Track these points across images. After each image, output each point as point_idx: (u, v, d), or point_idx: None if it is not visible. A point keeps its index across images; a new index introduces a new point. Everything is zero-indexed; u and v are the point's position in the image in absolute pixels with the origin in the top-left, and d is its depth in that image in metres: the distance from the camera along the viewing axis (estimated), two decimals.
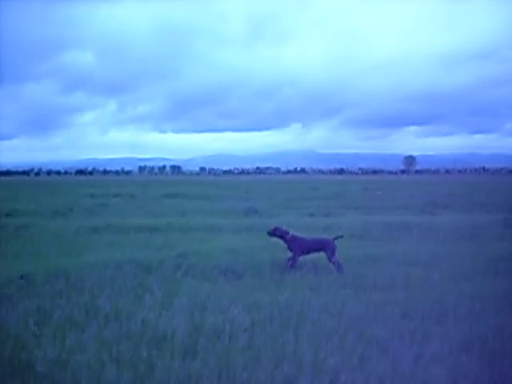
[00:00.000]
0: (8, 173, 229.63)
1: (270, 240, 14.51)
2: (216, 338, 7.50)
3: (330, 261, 13.12)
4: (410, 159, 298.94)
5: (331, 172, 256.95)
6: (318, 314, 8.85)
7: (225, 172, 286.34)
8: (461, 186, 75.24)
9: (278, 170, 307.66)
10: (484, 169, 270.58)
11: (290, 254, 13.41)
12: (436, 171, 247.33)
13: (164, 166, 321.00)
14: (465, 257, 14.73)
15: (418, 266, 13.56)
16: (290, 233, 13.63)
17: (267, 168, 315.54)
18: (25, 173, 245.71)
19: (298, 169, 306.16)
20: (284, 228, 13.85)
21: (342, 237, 13.79)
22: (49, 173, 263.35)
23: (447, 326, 8.26)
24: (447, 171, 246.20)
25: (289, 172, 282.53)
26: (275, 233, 13.72)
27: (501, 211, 28.98)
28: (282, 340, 7.52)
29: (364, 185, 76.30)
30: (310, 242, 13.49)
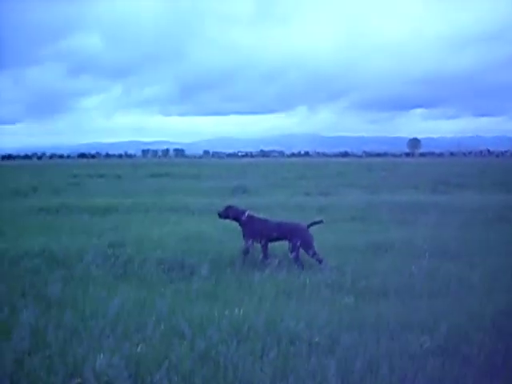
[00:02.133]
0: (10, 157, 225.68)
1: None
2: None
3: (291, 253, 9.57)
4: (414, 142, 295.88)
5: (335, 155, 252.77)
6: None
7: (228, 155, 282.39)
8: (469, 167, 71.05)
9: (281, 154, 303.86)
10: (489, 151, 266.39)
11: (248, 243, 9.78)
12: (440, 154, 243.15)
13: (167, 150, 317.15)
14: (502, 246, 11.01)
15: (445, 258, 9.82)
16: (247, 213, 10.04)
17: (271, 151, 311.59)
18: (27, 157, 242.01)
19: (302, 152, 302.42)
20: (240, 207, 10.30)
21: (321, 222, 10.10)
22: (51, 157, 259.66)
23: None
24: (452, 154, 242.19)
25: (293, 155, 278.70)
26: (228, 213, 10.16)
27: None
28: None
29: (368, 166, 72.15)
30: (271, 226, 9.88)
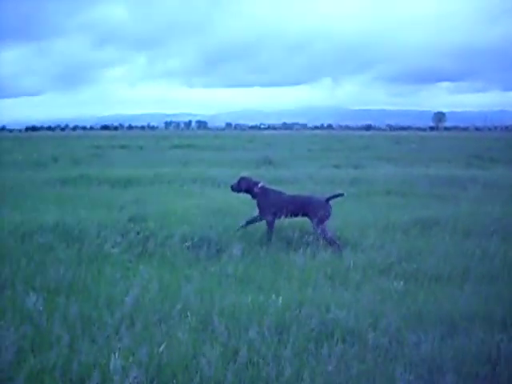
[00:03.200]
0: (34, 128, 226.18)
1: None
2: None
3: (316, 231, 8.56)
4: (439, 116, 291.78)
5: (358, 128, 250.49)
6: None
7: (251, 127, 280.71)
8: (498, 141, 68.95)
9: (304, 126, 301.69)
10: None
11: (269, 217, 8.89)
12: (465, 128, 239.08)
13: (190, 122, 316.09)
14: None
15: (498, 238, 8.83)
16: (260, 184, 9.15)
17: (294, 124, 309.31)
18: (50, 128, 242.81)
19: (325, 125, 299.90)
20: (254, 178, 9.39)
21: (342, 195, 9.02)
22: (74, 128, 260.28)
23: None
24: (477, 128, 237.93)
25: (316, 128, 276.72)
26: (240, 186, 9.23)
27: None
28: None
29: (395, 139, 70.41)
30: (287, 200, 8.92)
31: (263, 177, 17.08)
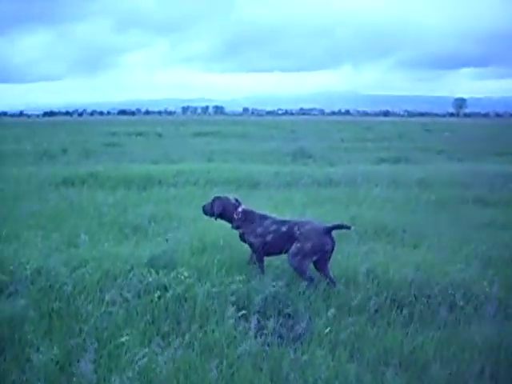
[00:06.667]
0: (51, 113, 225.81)
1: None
2: None
3: (291, 263, 6.05)
4: (460, 102, 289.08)
5: (376, 114, 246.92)
6: None
7: (268, 113, 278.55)
8: None
9: (321, 112, 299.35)
10: None
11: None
12: (486, 114, 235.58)
13: (207, 107, 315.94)
14: None
15: None
16: (242, 207, 6.48)
17: (311, 109, 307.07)
18: (68, 113, 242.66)
19: (343, 110, 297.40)
20: (231, 198, 6.69)
21: (348, 228, 6.25)
22: (92, 113, 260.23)
23: None
24: (498, 115, 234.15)
25: (333, 113, 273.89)
26: (214, 209, 6.54)
27: None
28: None
29: (421, 126, 66.45)
30: (277, 228, 6.23)
31: (310, 176, 14.15)
